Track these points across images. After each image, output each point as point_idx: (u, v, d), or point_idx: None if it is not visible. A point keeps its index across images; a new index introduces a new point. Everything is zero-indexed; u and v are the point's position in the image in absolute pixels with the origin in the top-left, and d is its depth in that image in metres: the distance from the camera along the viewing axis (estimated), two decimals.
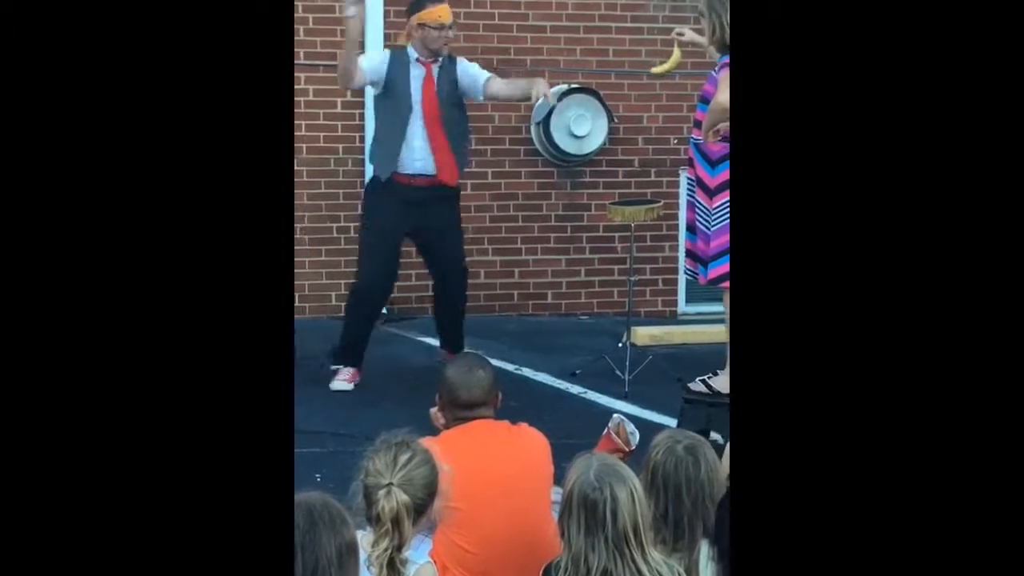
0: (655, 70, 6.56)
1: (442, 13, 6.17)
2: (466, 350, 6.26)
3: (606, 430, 4.14)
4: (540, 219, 8.30)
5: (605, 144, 8.25)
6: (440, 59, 6.21)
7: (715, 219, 5.34)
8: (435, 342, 7.10)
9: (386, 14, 7.86)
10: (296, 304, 7.86)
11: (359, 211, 7.84)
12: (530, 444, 3.70)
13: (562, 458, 3.93)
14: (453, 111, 6.25)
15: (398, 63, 6.20)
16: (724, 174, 5.32)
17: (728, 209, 5.25)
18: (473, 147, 8.16)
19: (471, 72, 6.28)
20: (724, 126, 5.28)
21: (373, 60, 6.26)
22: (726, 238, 5.24)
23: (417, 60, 6.19)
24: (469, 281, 8.19)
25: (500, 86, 6.33)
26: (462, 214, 8.08)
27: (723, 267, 5.27)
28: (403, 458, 2.94)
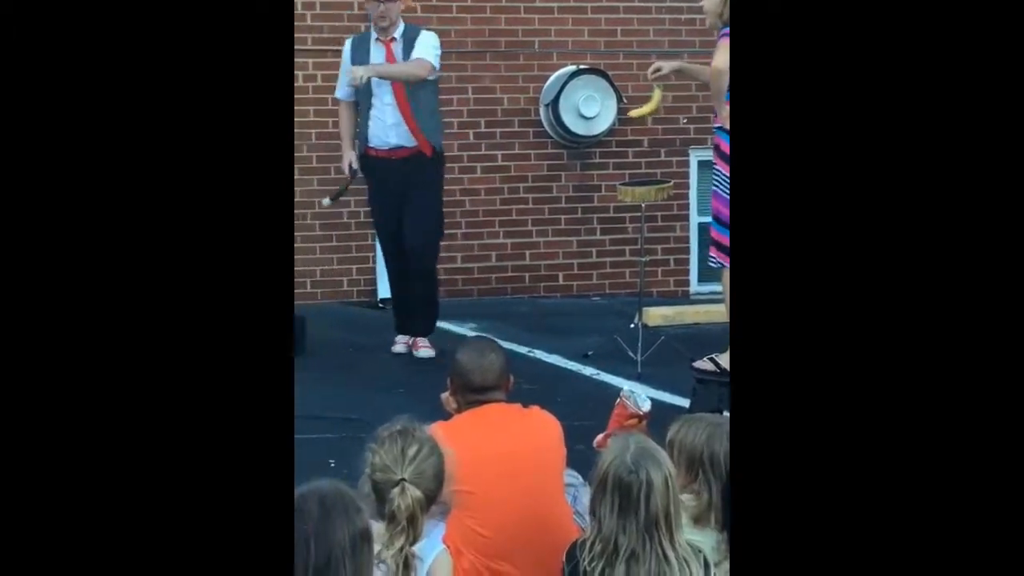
0: (633, 113, 6.69)
1: None
2: (477, 333, 6.26)
3: (618, 399, 4.21)
4: (550, 201, 8.29)
5: (614, 125, 8.23)
6: (396, 37, 6.27)
7: None
8: (450, 326, 7.09)
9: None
10: (308, 290, 7.87)
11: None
12: (542, 427, 3.70)
13: (575, 439, 3.93)
14: (417, 86, 6.23)
15: (360, 49, 6.34)
16: None
17: None
18: (482, 129, 8.18)
19: (417, 50, 6.27)
20: None
21: (341, 83, 6.44)
22: None
23: (377, 40, 6.29)
24: (479, 264, 8.23)
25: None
26: (472, 196, 8.12)
27: None
28: (411, 451, 2.91)
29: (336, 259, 7.91)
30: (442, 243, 7.79)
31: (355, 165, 6.38)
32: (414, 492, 2.86)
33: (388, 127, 6.25)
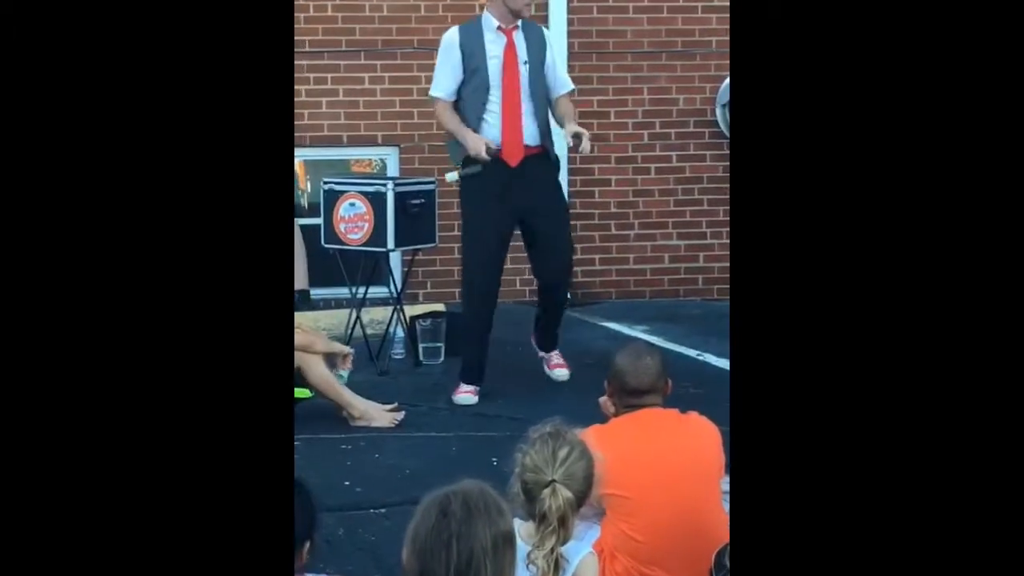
0: None
1: None
2: (640, 336, 6.21)
3: None
4: (725, 203, 8.19)
5: None
6: (518, 25, 5.71)
7: None
8: (621, 328, 7.06)
9: None
10: None
11: None
12: (700, 433, 3.67)
13: None
14: (539, 83, 5.73)
15: (472, 39, 5.72)
16: None
17: None
18: (657, 130, 8.13)
19: (556, 68, 5.83)
20: None
21: (440, 79, 5.81)
22: None
23: (498, 28, 5.69)
24: (652, 266, 8.19)
25: (561, 108, 5.83)
26: (646, 197, 8.09)
27: None
28: (562, 453, 2.92)
29: (509, 258, 7.92)
30: (615, 244, 7.78)
31: (493, 145, 5.64)
32: (565, 493, 2.87)
33: (497, 126, 5.67)
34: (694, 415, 3.72)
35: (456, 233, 7.83)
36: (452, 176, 5.77)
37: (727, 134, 8.15)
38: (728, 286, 8.26)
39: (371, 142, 7.88)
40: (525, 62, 5.72)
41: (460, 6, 7.88)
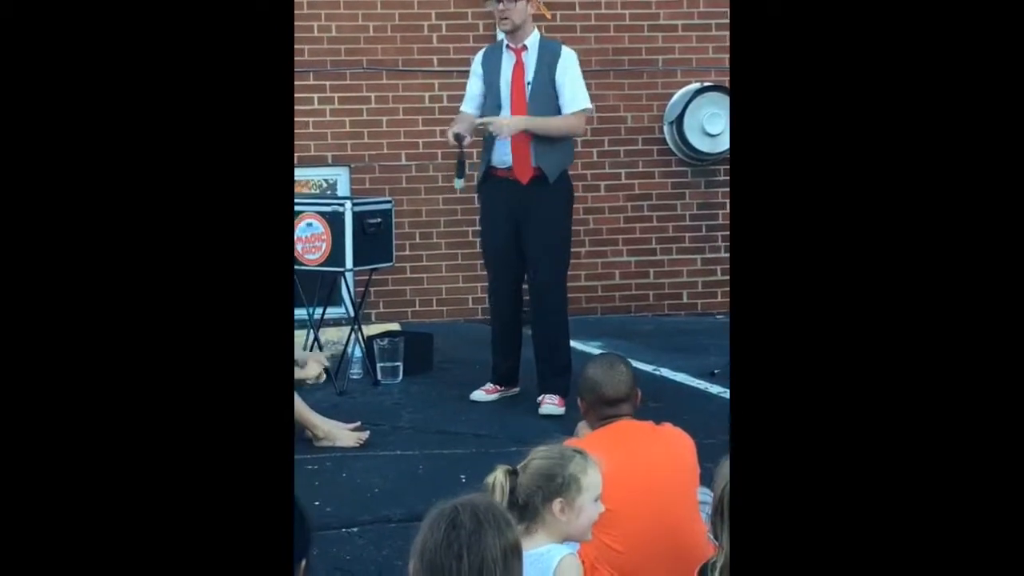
0: None
1: None
2: (603, 351, 6.23)
3: None
4: (675, 219, 8.29)
5: None
6: (528, 45, 5.81)
7: None
8: (575, 344, 7.07)
9: None
10: (434, 307, 7.96)
11: None
12: (675, 443, 3.71)
13: (704, 458, 3.92)
14: (546, 101, 5.79)
15: (491, 59, 5.93)
16: None
17: None
18: (606, 148, 8.20)
19: (565, 86, 5.81)
20: None
21: (469, 96, 6.05)
22: None
23: (507, 47, 5.87)
24: (603, 283, 8.24)
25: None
26: (596, 215, 8.14)
27: None
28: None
29: (461, 277, 7.99)
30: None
31: (461, 131, 5.80)
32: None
33: (507, 145, 5.78)
34: (668, 426, 3.77)
35: (408, 252, 7.89)
36: (458, 184, 6.03)
37: (675, 151, 8.24)
38: (681, 302, 8.24)
39: (321, 162, 7.88)
40: (529, 83, 5.81)
41: (409, 27, 7.92)
